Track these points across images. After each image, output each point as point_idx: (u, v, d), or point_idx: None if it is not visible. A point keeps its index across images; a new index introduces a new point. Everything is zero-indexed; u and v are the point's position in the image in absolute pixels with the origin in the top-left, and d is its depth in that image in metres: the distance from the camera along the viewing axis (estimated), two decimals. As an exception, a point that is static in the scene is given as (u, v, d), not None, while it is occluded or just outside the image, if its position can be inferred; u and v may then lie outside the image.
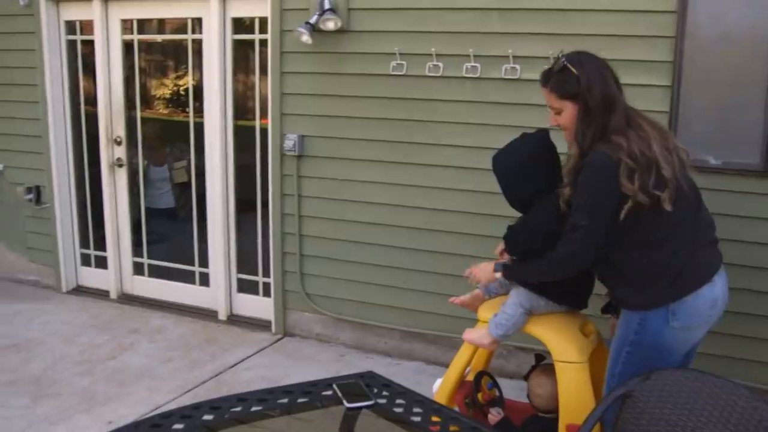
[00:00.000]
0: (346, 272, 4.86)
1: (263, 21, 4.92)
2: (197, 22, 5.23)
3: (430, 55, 4.34)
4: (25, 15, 5.68)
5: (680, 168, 2.64)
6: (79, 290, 6.10)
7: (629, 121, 2.64)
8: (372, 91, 4.58)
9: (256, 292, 5.39)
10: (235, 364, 4.67)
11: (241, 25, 5.11)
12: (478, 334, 3.14)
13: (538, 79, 2.81)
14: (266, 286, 5.28)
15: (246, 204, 5.34)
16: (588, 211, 2.62)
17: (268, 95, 4.88)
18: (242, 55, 5.19)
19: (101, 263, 6.01)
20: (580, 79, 2.64)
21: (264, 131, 5.04)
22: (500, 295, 3.31)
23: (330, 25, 4.50)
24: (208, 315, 5.50)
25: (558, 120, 2.76)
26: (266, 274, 5.25)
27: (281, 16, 4.73)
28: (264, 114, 5.04)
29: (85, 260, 6.13)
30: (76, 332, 5.18)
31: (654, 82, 3.85)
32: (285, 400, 2.52)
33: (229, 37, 5.09)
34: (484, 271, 3.12)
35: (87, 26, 5.64)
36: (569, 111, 2.70)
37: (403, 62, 4.43)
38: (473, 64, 4.23)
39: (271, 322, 5.20)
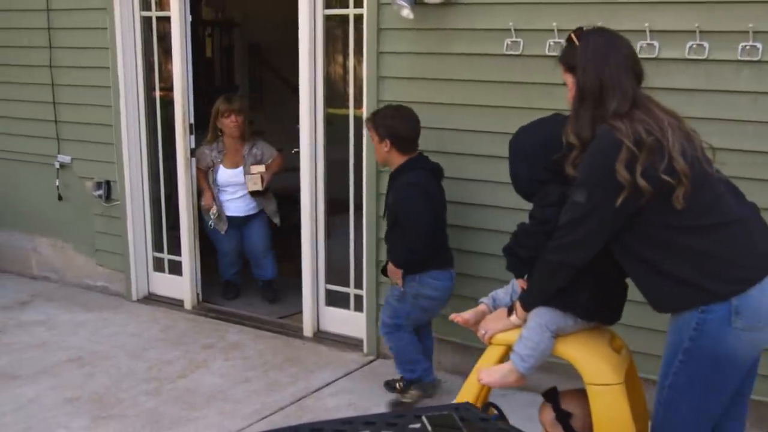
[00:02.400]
0: (450, 285, 4.83)
1: (358, -7, 4.98)
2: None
3: (551, 30, 4.25)
4: (96, -11, 5.95)
5: (703, 156, 2.69)
6: (151, 298, 6.33)
7: (636, 104, 2.69)
8: (482, 75, 4.53)
9: (346, 306, 5.45)
10: (320, 389, 4.73)
11: (333, -1, 5.18)
12: (500, 373, 3.04)
13: None
14: (358, 299, 5.32)
15: (337, 205, 5.41)
16: (587, 189, 2.67)
17: (363, 79, 4.92)
18: (335, 34, 5.24)
19: (175, 269, 6.21)
20: (578, 53, 2.75)
21: (358, 121, 5.08)
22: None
23: (434, -3, 4.49)
24: (292, 331, 5.60)
25: (568, 97, 2.87)
26: (359, 285, 5.29)
27: (379, -12, 4.77)
28: (359, 101, 5.08)
29: (158, 265, 6.35)
30: (144, 346, 5.37)
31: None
32: (365, 433, 2.52)
33: (320, 12, 5.14)
34: (498, 319, 3.14)
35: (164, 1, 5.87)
36: (571, 87, 2.83)
37: (519, 40, 4.37)
38: (602, 40, 4.12)
39: (362, 341, 5.24)
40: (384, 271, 4.50)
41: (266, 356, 5.20)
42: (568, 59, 2.84)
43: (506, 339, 3.10)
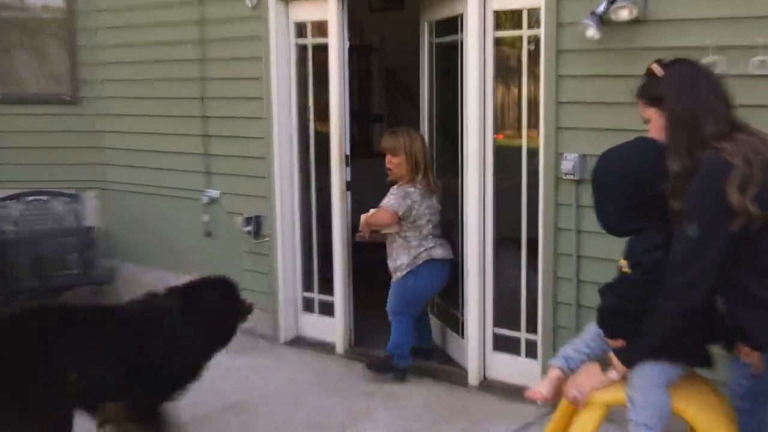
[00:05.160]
0: (639, 331, 4.44)
1: (533, 13, 4.77)
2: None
3: (756, 47, 3.96)
4: (251, 18, 5.88)
5: None
6: (298, 341, 6.14)
7: (736, 127, 2.70)
8: (678, 97, 4.18)
9: (516, 352, 5.13)
10: (496, 443, 4.44)
11: (504, 20, 4.97)
12: None
13: None
14: (531, 344, 5.01)
15: (507, 240, 5.14)
16: (699, 220, 2.59)
17: (540, 105, 4.70)
18: (504, 57, 5.05)
19: (327, 310, 6.00)
20: (664, 82, 2.80)
21: (531, 150, 4.88)
22: (586, 363, 3.13)
23: (623, 15, 4.26)
24: (455, 377, 5.31)
25: (650, 132, 2.90)
26: (531, 329, 5.00)
27: (558, 7, 4.55)
28: (532, 128, 4.85)
29: (308, 305, 6.17)
30: (299, 392, 5.19)
31: None
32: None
33: (490, 34, 4.94)
34: (592, 377, 2.99)
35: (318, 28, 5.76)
36: (655, 120, 2.85)
37: (719, 58, 4.04)
38: (816, 57, 3.82)
39: (537, 392, 4.86)
40: None
41: (431, 406, 4.94)
42: (649, 92, 2.89)
43: (607, 398, 2.96)
